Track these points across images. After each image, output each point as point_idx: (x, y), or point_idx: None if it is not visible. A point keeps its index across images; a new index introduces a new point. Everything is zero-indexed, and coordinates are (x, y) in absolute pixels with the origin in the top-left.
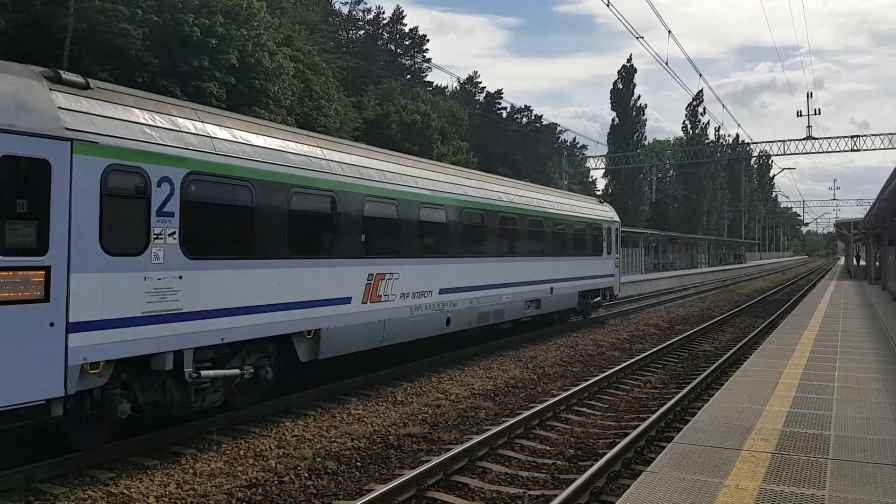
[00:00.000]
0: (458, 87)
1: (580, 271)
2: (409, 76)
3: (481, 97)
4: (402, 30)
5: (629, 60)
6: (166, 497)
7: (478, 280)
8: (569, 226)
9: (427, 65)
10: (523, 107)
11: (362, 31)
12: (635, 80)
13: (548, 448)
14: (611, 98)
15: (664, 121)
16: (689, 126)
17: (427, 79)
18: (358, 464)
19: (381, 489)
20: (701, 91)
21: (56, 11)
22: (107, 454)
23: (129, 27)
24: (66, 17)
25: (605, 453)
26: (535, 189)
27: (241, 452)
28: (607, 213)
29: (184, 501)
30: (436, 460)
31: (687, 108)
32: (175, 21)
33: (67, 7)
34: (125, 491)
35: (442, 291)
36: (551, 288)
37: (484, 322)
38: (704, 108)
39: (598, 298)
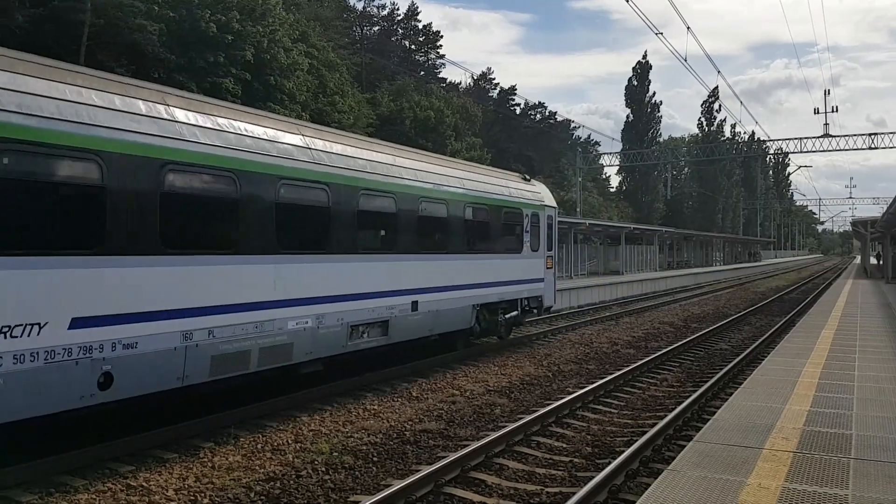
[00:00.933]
0: (472, 84)
1: (478, 275)
2: (422, 72)
3: (495, 93)
4: (416, 26)
5: (644, 57)
6: (185, 490)
7: (208, 296)
8: (453, 207)
9: (441, 61)
10: (537, 103)
11: (377, 28)
12: (650, 77)
13: (564, 445)
14: (625, 95)
15: (678, 117)
16: (704, 123)
17: (441, 75)
18: (374, 459)
19: (398, 485)
20: (717, 88)
21: (73, 7)
22: (126, 447)
23: (145, 22)
24: (83, 13)
25: (623, 451)
26: (385, 148)
27: (259, 446)
28: (534, 193)
29: (203, 494)
30: (452, 456)
31: (702, 104)
32: (191, 17)
33: (84, 2)
34: (144, 484)
35: (81, 323)
36: (413, 302)
37: (232, 370)
38: (720, 105)
39: (516, 313)
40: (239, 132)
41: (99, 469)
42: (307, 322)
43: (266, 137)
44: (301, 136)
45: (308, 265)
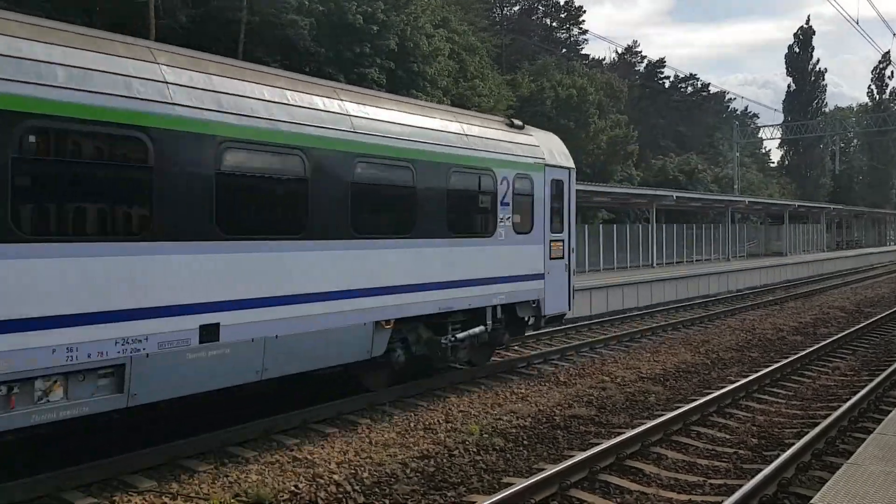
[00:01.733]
0: (617, 59)
1: (388, 274)
2: (564, 50)
3: (641, 67)
4: (557, 2)
5: (807, 22)
6: (346, 464)
7: None
8: (324, 162)
9: (584, 37)
10: (688, 75)
11: (517, 7)
12: (813, 44)
13: (727, 436)
14: (786, 63)
15: (844, 86)
16: (875, 91)
17: (583, 51)
18: (525, 442)
19: (552, 469)
20: (888, 52)
21: (230, 5)
22: (290, 421)
23: (296, 17)
24: (239, 11)
25: (793, 443)
26: (141, 51)
27: (412, 425)
28: (525, 146)
29: (362, 468)
30: (607, 443)
31: (872, 71)
32: (339, 9)
33: (241, 0)
34: (308, 456)
35: None
36: (207, 327)
37: None
38: (893, 71)
39: (480, 329)
40: None
41: (267, 441)
42: None
43: None
44: None
45: None
